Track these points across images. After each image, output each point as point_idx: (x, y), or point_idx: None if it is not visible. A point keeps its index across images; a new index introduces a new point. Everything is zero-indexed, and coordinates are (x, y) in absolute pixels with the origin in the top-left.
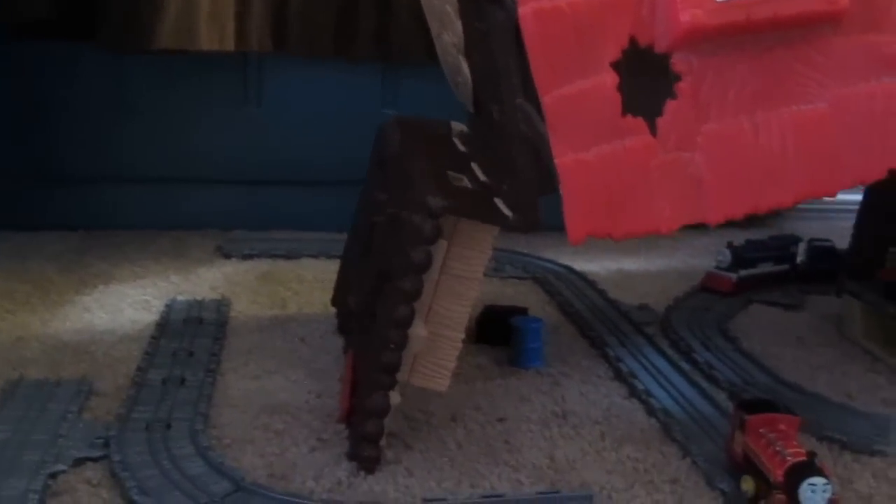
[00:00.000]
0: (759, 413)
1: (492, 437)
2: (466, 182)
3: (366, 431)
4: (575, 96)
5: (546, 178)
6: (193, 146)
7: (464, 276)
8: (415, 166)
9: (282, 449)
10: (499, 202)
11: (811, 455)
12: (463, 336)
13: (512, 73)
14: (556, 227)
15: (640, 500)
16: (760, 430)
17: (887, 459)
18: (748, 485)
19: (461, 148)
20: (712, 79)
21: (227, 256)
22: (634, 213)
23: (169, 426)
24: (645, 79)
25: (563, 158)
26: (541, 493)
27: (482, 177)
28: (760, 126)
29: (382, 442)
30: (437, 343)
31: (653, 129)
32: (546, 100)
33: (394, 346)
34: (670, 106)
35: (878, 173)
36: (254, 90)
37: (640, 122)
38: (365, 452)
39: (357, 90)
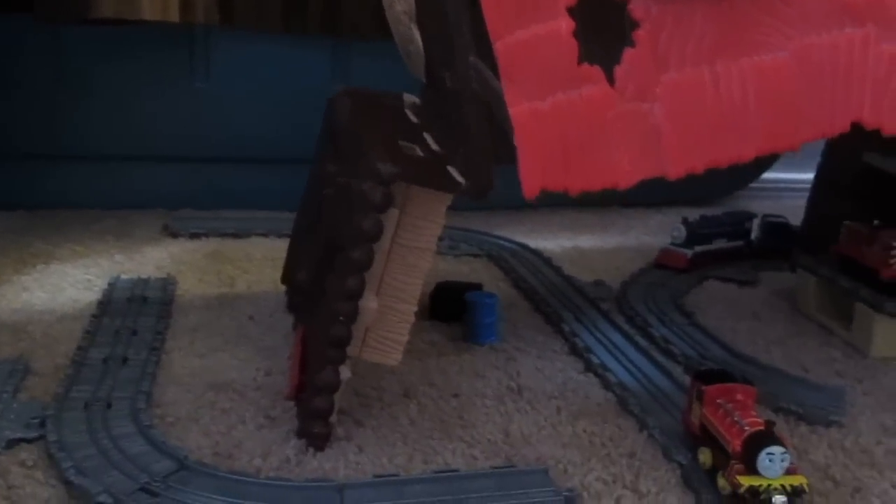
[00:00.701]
0: (716, 384)
1: (446, 412)
2: (419, 151)
3: (315, 408)
4: (529, 42)
5: (500, 142)
6: (138, 122)
7: (416, 247)
8: (365, 135)
9: (228, 427)
10: (451, 169)
11: (769, 424)
12: (416, 309)
13: (464, 30)
14: (510, 205)
15: (596, 474)
16: (718, 401)
17: (843, 430)
18: (705, 457)
19: (413, 119)
20: (671, 26)
21: (174, 235)
22: (592, 165)
23: (109, 405)
24: (602, 25)
25: (518, 108)
26: (496, 467)
27: (435, 146)
28: (721, 76)
29: (332, 418)
30: (388, 316)
31: (610, 78)
32: (499, 45)
33: (343, 318)
34: (628, 54)
35: (841, 126)
36: (201, 64)
37: (597, 70)
38: (314, 429)
39: (307, 65)
